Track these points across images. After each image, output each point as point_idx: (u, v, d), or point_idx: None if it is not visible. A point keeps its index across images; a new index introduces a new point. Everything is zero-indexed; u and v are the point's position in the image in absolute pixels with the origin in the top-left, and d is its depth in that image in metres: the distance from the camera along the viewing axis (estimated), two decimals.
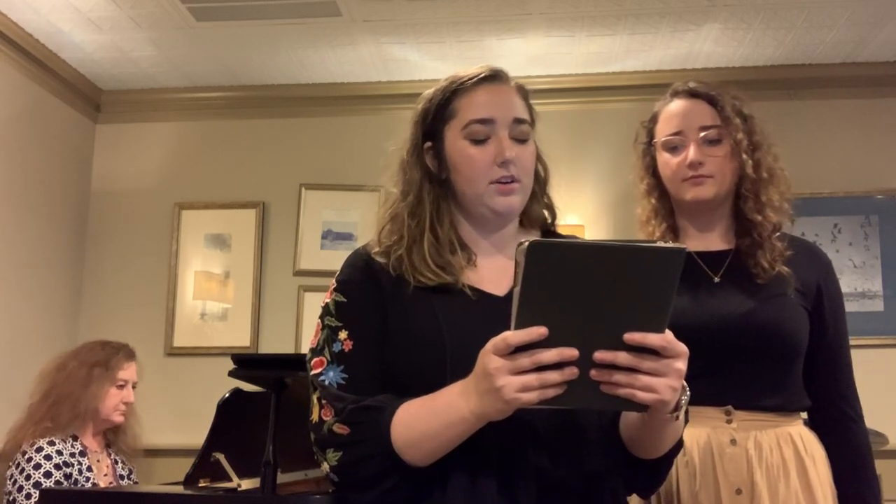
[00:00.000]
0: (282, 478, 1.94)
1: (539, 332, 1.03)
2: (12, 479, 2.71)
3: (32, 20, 3.65)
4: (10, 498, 2.69)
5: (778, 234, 1.68)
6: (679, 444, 1.28)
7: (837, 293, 1.71)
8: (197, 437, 2.17)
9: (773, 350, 1.60)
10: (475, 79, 1.36)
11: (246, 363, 2.00)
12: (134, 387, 2.99)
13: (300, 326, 4.14)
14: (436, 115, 1.38)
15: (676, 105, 1.71)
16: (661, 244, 1.05)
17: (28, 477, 2.67)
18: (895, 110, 4.06)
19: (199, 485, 2.05)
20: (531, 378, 1.04)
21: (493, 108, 1.34)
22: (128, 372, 2.96)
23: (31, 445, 2.74)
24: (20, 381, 3.01)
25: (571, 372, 1.04)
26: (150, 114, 4.39)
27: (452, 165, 1.35)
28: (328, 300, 1.33)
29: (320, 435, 1.24)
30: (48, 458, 2.71)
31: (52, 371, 2.92)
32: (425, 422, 1.16)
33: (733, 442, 1.58)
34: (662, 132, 1.72)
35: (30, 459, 2.70)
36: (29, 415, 2.84)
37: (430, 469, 1.19)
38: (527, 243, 1.01)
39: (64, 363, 2.92)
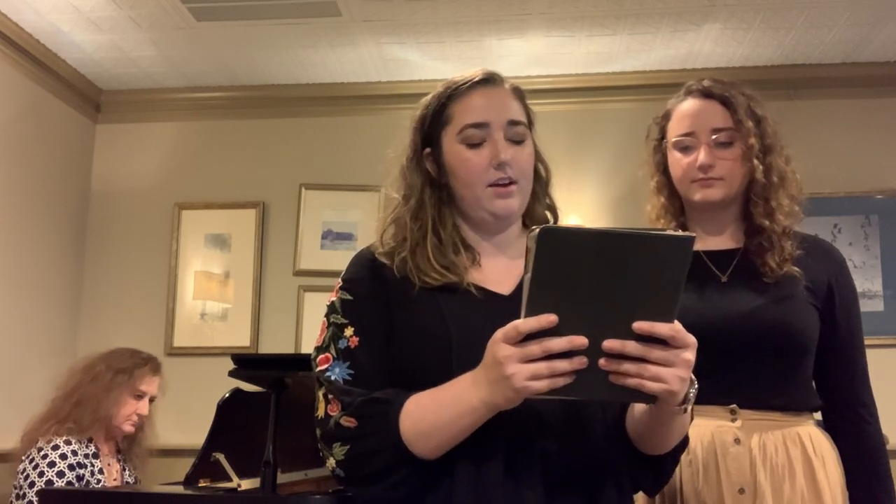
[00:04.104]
0: (282, 478, 1.94)
1: (549, 319, 1.03)
2: (24, 474, 2.73)
3: (32, 20, 3.65)
4: (21, 492, 2.71)
5: (788, 235, 1.67)
6: (685, 442, 1.29)
7: (851, 292, 1.69)
8: (197, 437, 2.17)
9: (780, 349, 1.60)
10: (469, 83, 1.37)
11: (246, 363, 2.01)
12: (152, 400, 3.00)
13: (300, 326, 4.14)
14: (432, 121, 1.39)
15: (689, 104, 1.70)
16: (670, 232, 1.05)
17: (42, 474, 2.69)
18: (895, 110, 4.06)
19: (199, 485, 2.05)
20: (541, 366, 1.04)
21: (487, 112, 1.35)
22: (149, 385, 2.97)
23: (48, 442, 2.75)
24: (21, 380, 3.02)
25: (581, 361, 1.04)
26: (150, 114, 4.39)
27: (450, 170, 1.36)
28: (334, 298, 1.33)
29: (327, 430, 1.24)
30: (63, 456, 2.73)
31: (80, 370, 2.94)
32: (435, 413, 1.17)
33: (737, 441, 1.58)
34: (674, 131, 1.71)
35: (45, 456, 2.72)
36: (53, 410, 2.86)
37: (437, 459, 1.19)
38: (538, 229, 1.01)
39: (92, 364, 2.94)
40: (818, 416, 1.69)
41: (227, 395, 2.17)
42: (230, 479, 1.95)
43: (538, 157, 1.42)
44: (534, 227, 1.03)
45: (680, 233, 1.04)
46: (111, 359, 2.95)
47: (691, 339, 1.08)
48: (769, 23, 3.65)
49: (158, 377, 3.02)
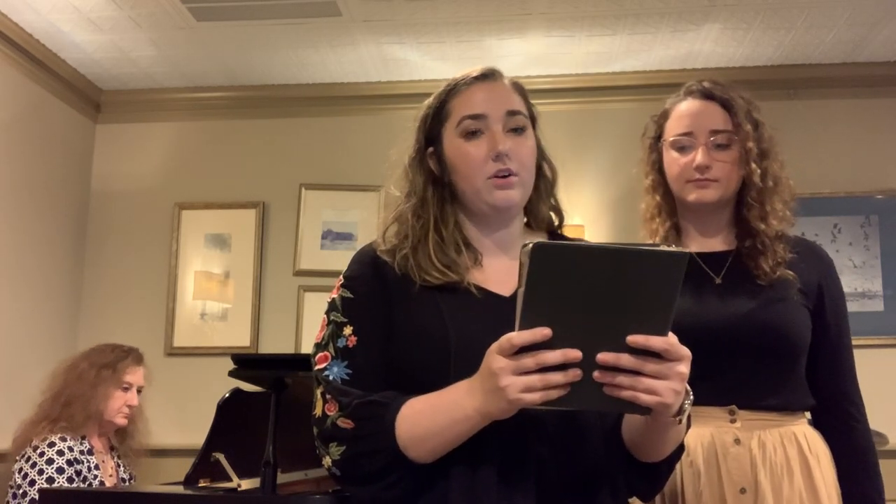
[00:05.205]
0: (282, 478, 1.94)
1: (543, 332, 1.03)
2: (22, 473, 2.75)
3: (32, 20, 3.65)
4: (21, 491, 2.73)
5: (781, 239, 1.68)
6: (681, 449, 1.28)
7: (839, 293, 1.71)
8: (197, 437, 2.17)
9: (776, 350, 1.60)
10: (468, 79, 1.38)
11: (246, 363, 2.01)
12: (139, 391, 3.03)
13: (300, 326, 4.14)
14: (434, 118, 1.39)
15: (689, 105, 1.70)
16: (664, 248, 1.05)
17: (41, 471, 2.71)
18: (895, 110, 4.06)
19: (199, 485, 2.06)
20: (535, 379, 1.04)
21: (485, 104, 1.35)
22: (134, 376, 3.01)
23: (43, 440, 2.78)
24: (21, 381, 3.03)
25: (575, 373, 1.04)
26: (150, 114, 4.39)
27: (450, 165, 1.36)
28: (335, 296, 1.34)
29: (323, 429, 1.25)
30: (60, 453, 2.76)
31: (63, 371, 2.98)
32: (430, 419, 1.17)
33: (737, 441, 1.59)
34: (672, 130, 1.71)
35: (42, 454, 2.74)
36: (44, 413, 2.89)
37: (432, 462, 1.20)
38: (531, 245, 1.01)
39: (75, 364, 2.98)
40: (808, 415, 1.70)
41: (227, 395, 2.17)
42: (230, 479, 1.95)
43: (543, 155, 1.41)
44: (527, 242, 1.03)
45: (674, 248, 1.04)
46: (93, 356, 3.00)
47: (685, 352, 1.08)
48: (769, 23, 3.65)
49: (142, 367, 3.06)
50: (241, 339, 4.15)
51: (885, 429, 2.96)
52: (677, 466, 1.52)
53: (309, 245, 4.23)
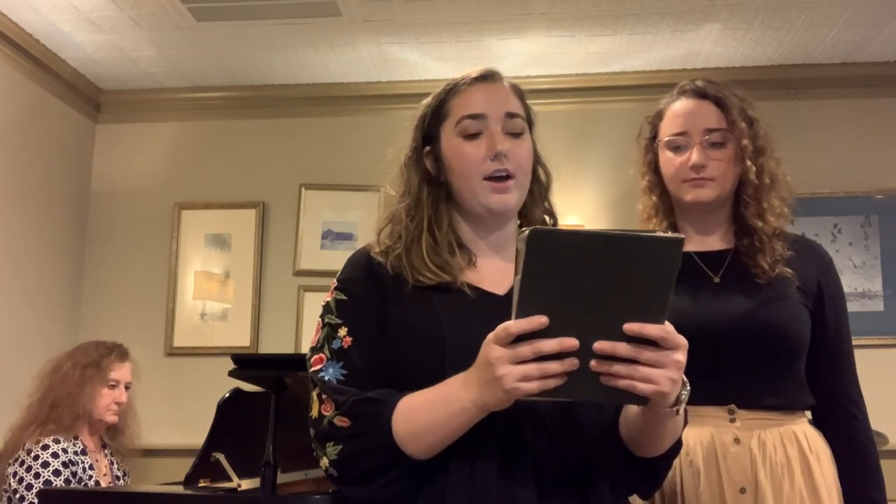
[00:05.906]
0: (282, 478, 1.94)
1: (540, 321, 1.03)
2: (17, 477, 2.72)
3: (32, 20, 3.65)
4: (18, 495, 2.71)
5: (779, 236, 1.68)
6: (678, 445, 1.28)
7: (838, 291, 1.70)
8: (197, 437, 2.17)
9: (775, 350, 1.60)
10: (468, 79, 1.38)
11: (246, 363, 2.00)
12: (127, 387, 3.01)
13: (300, 326, 4.14)
14: (432, 118, 1.40)
15: (683, 104, 1.70)
16: (660, 234, 1.05)
17: (37, 475, 2.70)
18: (895, 110, 4.06)
19: (199, 485, 2.05)
20: (531, 368, 1.04)
21: (484, 104, 1.35)
22: (120, 372, 2.97)
23: (37, 443, 2.76)
24: (21, 381, 3.02)
25: (571, 362, 1.04)
26: (150, 114, 4.39)
27: (448, 164, 1.37)
28: (329, 299, 1.34)
29: (320, 429, 1.24)
30: (55, 455, 2.74)
31: (48, 373, 2.95)
32: (427, 413, 1.17)
33: (737, 441, 1.58)
34: (667, 130, 1.71)
35: (37, 457, 2.73)
36: (32, 416, 2.87)
37: (430, 458, 1.19)
38: (527, 231, 1.01)
39: (59, 365, 2.95)
40: (808, 414, 1.70)
41: (227, 395, 2.16)
42: (230, 479, 1.95)
43: (538, 159, 1.42)
44: (523, 228, 1.03)
45: (669, 234, 1.04)
46: (77, 355, 2.97)
47: (682, 341, 1.07)
48: (769, 23, 3.65)
49: (128, 362, 3.03)
50: (241, 339, 4.15)
51: (885, 429, 2.96)
52: (676, 466, 1.53)
53: (309, 245, 4.23)
